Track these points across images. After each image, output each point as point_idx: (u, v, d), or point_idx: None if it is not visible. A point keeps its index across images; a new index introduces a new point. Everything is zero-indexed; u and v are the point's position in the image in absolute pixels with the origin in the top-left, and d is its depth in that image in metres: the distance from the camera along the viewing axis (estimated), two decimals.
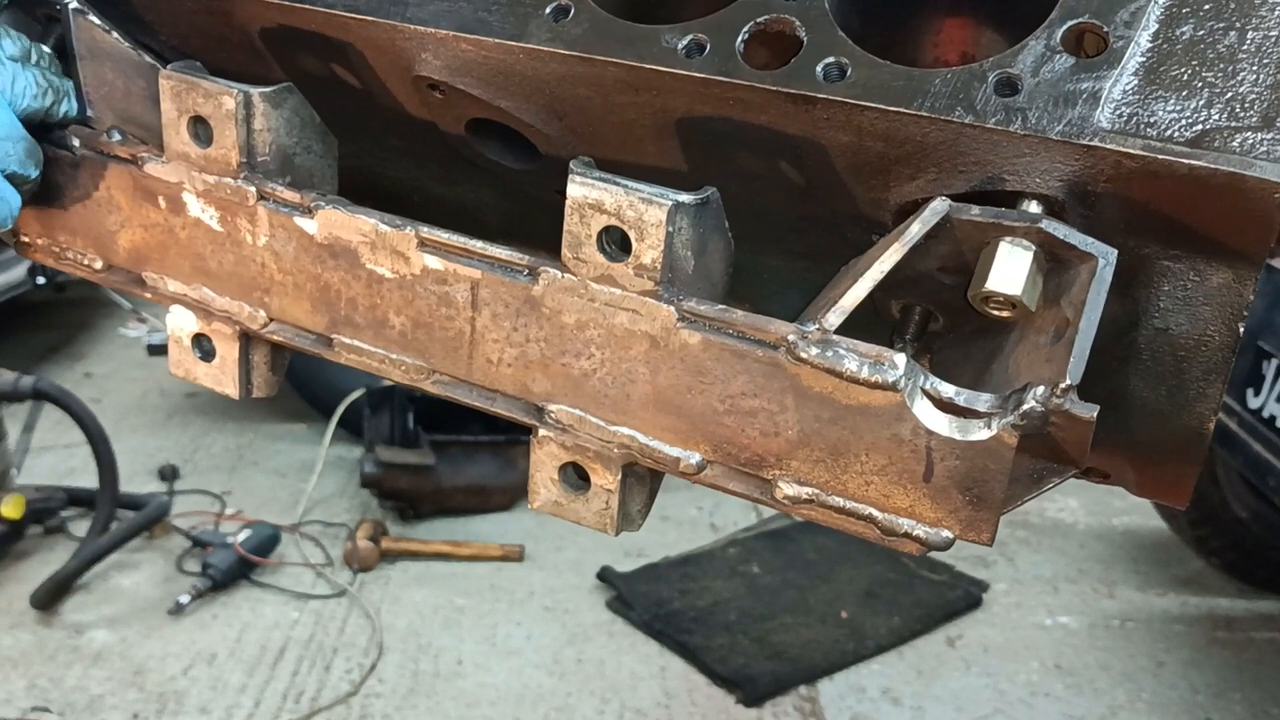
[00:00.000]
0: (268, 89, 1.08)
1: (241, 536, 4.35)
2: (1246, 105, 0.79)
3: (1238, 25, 0.81)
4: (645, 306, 0.90)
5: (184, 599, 4.06)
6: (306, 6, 1.06)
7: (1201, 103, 0.79)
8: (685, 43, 0.91)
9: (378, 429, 4.85)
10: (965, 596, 4.36)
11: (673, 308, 0.89)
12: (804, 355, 0.84)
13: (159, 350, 5.60)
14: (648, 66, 0.92)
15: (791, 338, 0.84)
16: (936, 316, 0.97)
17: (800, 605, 4.27)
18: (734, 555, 4.60)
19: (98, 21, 1.18)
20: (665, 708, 3.71)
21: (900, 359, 0.81)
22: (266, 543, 4.41)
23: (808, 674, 3.87)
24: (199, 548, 4.37)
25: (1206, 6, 0.82)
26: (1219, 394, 0.90)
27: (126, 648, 3.88)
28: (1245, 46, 0.80)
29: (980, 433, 0.79)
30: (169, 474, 4.98)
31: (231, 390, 1.16)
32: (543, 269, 0.94)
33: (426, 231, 1.00)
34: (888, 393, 0.81)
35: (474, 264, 0.98)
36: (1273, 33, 0.80)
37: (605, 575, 4.35)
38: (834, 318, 0.84)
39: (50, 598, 4.01)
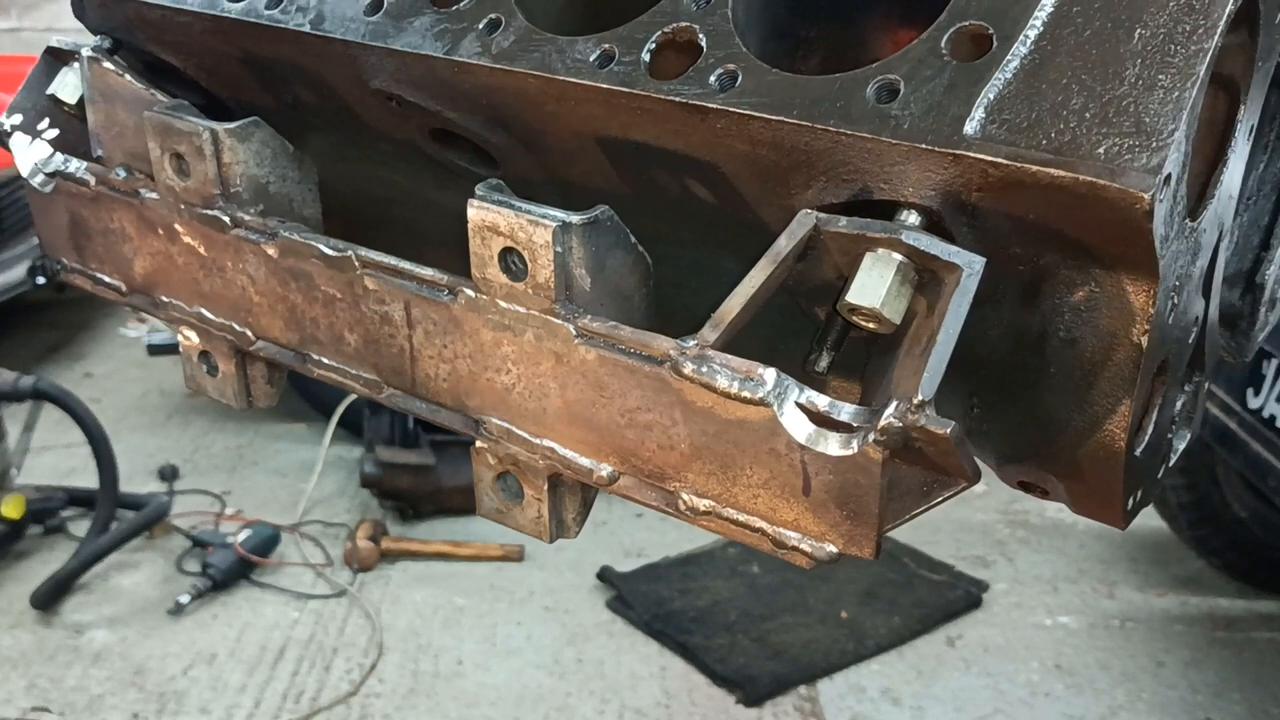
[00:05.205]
0: (233, 125, 1.12)
1: (241, 536, 4.35)
2: (1121, 109, 0.75)
3: (1126, 24, 0.77)
4: (546, 324, 0.91)
5: (184, 599, 4.07)
6: (275, 26, 1.10)
7: (1076, 106, 0.75)
8: (597, 54, 0.92)
9: (378, 429, 4.84)
10: (965, 596, 4.36)
11: (569, 325, 0.90)
12: (684, 371, 0.84)
13: (159, 350, 5.59)
14: (557, 78, 0.92)
15: (673, 353, 0.84)
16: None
17: (800, 605, 4.26)
18: (734, 555, 4.59)
19: (112, 67, 1.25)
20: (665, 708, 3.71)
21: (770, 374, 0.80)
22: (266, 543, 4.41)
23: (808, 674, 3.87)
24: (199, 548, 4.38)
25: (1097, 4, 0.78)
26: (1128, 411, 0.85)
27: (126, 648, 3.88)
28: (1131, 46, 0.76)
29: (844, 448, 0.77)
30: (169, 474, 4.98)
31: (234, 402, 1.24)
32: (460, 288, 0.97)
33: (364, 253, 1.04)
34: (759, 407, 0.80)
35: (404, 284, 1.01)
36: (1161, 31, 0.76)
37: (605, 575, 4.35)
38: (709, 333, 0.83)
39: (50, 598, 4.01)
